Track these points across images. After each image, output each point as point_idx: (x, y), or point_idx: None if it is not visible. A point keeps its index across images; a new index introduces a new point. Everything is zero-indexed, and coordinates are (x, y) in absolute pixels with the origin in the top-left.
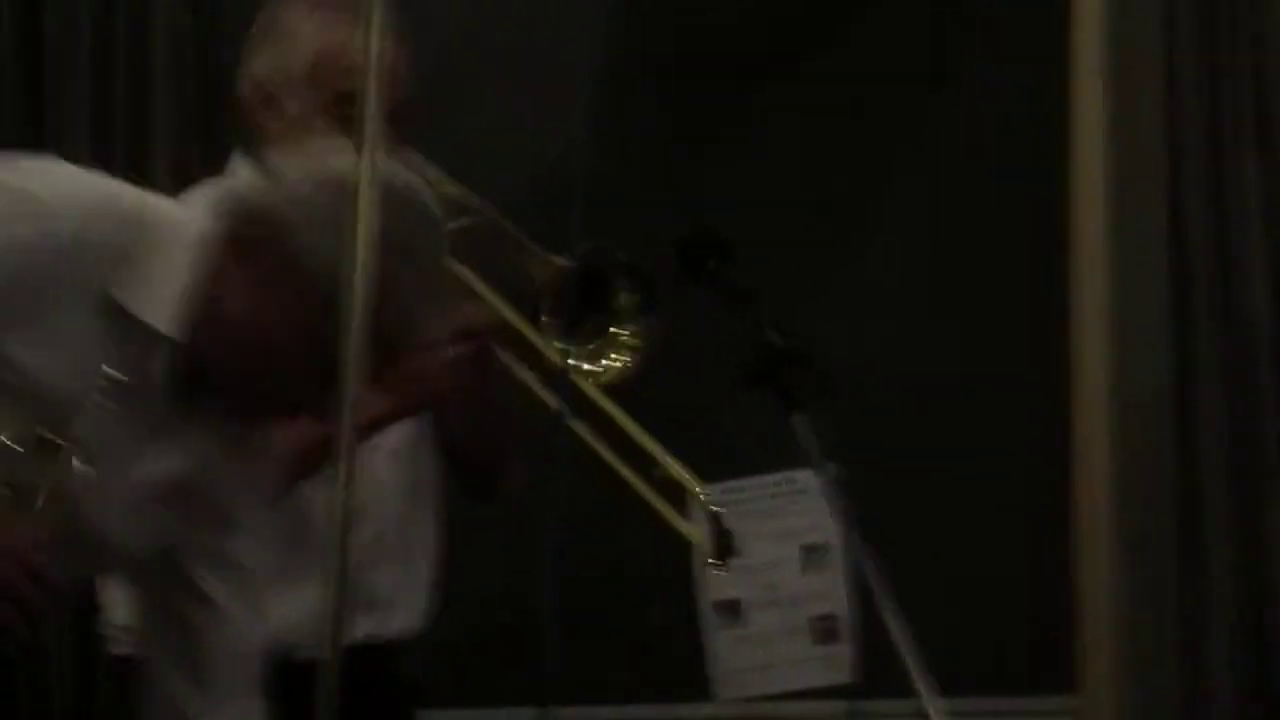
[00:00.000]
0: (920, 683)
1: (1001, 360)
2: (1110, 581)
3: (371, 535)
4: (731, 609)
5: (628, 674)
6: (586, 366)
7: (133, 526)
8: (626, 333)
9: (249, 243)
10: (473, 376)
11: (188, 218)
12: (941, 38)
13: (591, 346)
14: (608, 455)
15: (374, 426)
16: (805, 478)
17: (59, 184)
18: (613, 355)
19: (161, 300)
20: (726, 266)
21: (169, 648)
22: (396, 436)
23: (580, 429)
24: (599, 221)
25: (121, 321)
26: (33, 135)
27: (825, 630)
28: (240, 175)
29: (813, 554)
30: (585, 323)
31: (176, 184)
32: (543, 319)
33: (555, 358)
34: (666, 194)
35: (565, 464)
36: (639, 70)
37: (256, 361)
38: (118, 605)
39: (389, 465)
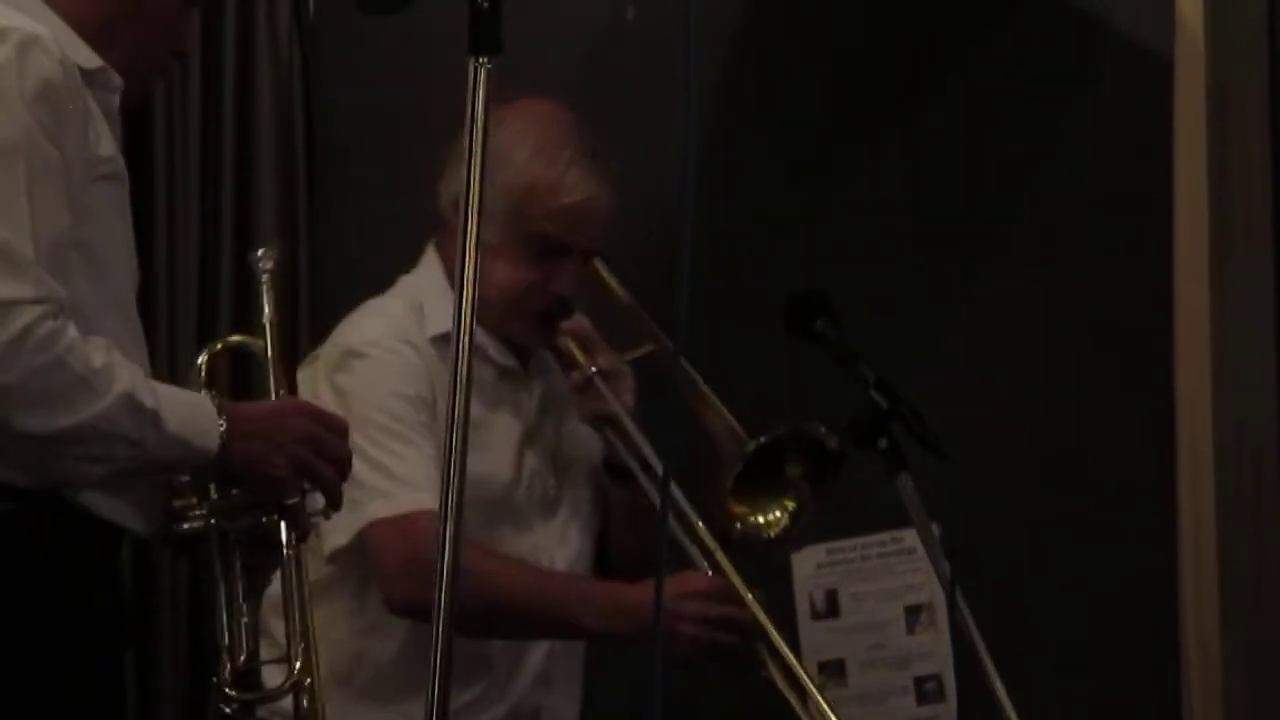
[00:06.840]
0: None
1: (1107, 419)
2: (1217, 646)
3: (545, 653)
4: (836, 669)
5: None
6: (753, 520)
7: None
8: (794, 502)
9: None
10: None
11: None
12: (1050, 95)
13: (761, 505)
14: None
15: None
16: (910, 537)
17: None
18: (776, 513)
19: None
20: (833, 326)
21: None
22: (568, 556)
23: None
24: (706, 278)
25: (92, 85)
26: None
27: (930, 690)
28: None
29: (918, 614)
30: (761, 482)
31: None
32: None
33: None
34: (775, 250)
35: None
36: (746, 124)
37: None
38: None
39: None
